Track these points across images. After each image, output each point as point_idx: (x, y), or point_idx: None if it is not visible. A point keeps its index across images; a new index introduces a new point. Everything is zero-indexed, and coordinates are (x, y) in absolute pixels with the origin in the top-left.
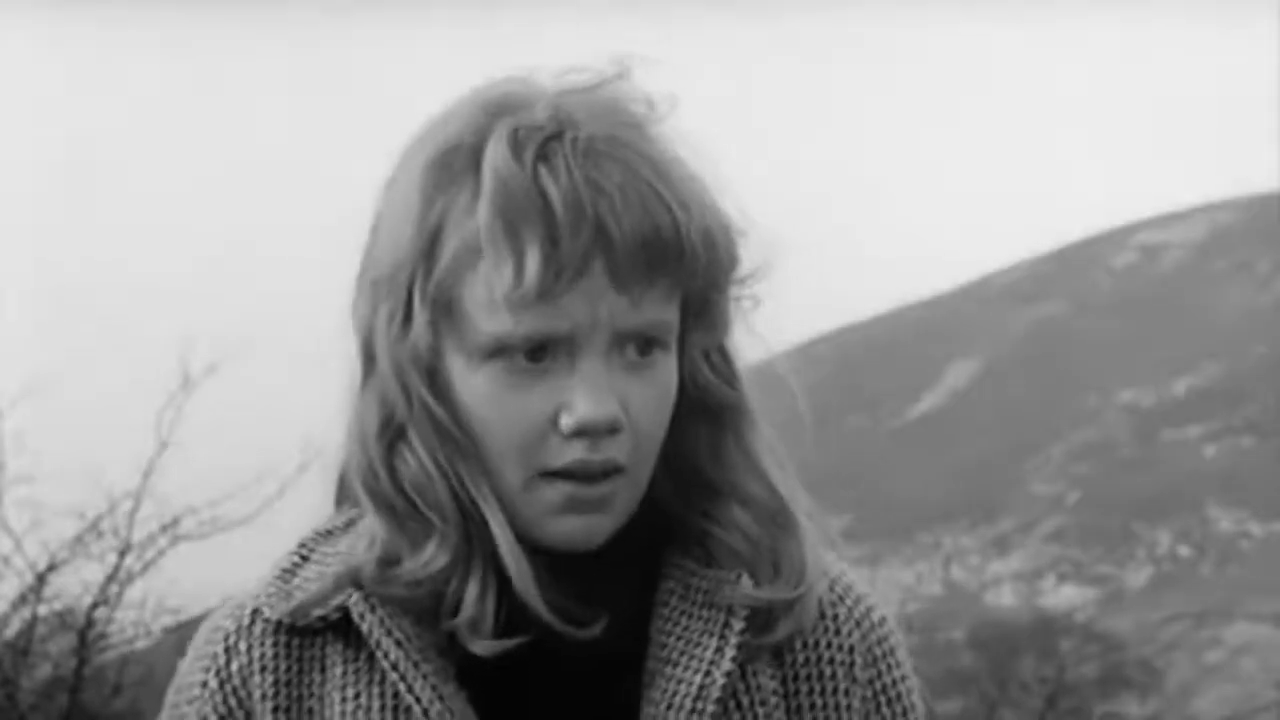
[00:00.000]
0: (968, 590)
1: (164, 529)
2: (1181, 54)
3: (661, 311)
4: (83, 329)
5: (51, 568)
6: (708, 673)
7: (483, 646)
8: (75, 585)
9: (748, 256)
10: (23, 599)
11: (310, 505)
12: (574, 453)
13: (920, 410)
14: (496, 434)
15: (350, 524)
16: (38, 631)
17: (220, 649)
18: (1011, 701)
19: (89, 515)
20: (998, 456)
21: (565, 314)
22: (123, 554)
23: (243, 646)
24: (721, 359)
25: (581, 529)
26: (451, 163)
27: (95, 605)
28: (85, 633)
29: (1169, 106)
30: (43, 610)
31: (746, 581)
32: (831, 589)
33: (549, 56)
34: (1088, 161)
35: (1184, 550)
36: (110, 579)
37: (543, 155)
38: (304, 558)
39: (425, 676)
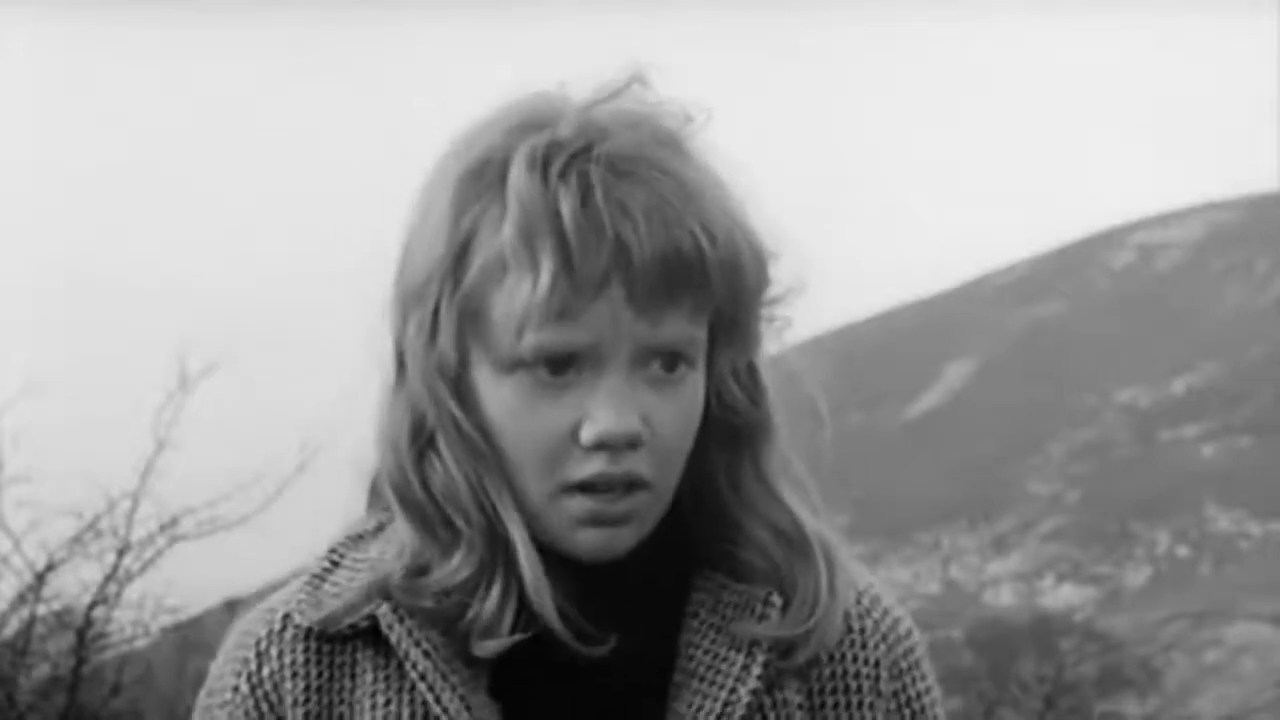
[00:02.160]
0: (966, 590)
1: (163, 529)
2: (1181, 54)
3: (686, 329)
4: (81, 328)
5: (50, 567)
6: (733, 689)
7: (485, 648)
8: (74, 585)
9: (780, 276)
10: (21, 599)
11: (310, 504)
12: (595, 465)
13: (918, 410)
14: (520, 445)
15: (380, 528)
16: (36, 631)
17: (252, 654)
18: (1010, 701)
19: (87, 515)
20: (996, 456)
21: (587, 329)
22: (121, 553)
23: (274, 652)
24: (749, 377)
25: (603, 542)
26: (481, 178)
27: (94, 605)
28: (84, 632)
29: (1168, 106)
30: (41, 610)
31: (776, 599)
32: (859, 601)
33: (548, 56)
34: (1087, 161)
35: (1183, 550)
36: (109, 578)
37: (565, 173)
38: (335, 563)
39: (453, 687)
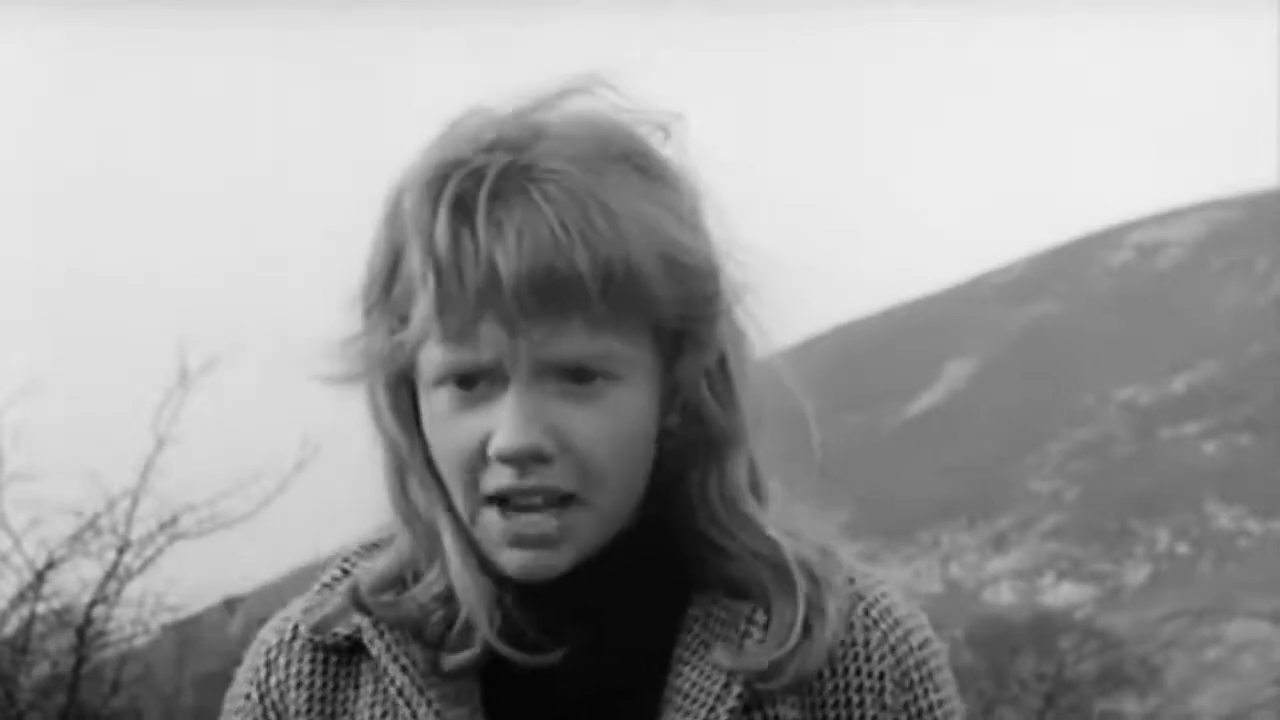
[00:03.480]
0: (966, 588)
1: (163, 527)
2: (1180, 52)
3: (588, 344)
4: (81, 326)
5: (50, 565)
6: (712, 708)
7: (450, 662)
8: (74, 583)
9: (729, 280)
10: (21, 597)
11: (309, 503)
12: (504, 478)
13: (918, 409)
14: (444, 459)
15: (393, 538)
16: (36, 629)
17: (262, 662)
18: (1010, 699)
19: (87, 513)
20: (996, 455)
21: (485, 347)
22: (121, 552)
23: (282, 661)
24: (721, 379)
25: (528, 562)
26: (404, 199)
27: (94, 603)
28: (84, 630)
29: (1168, 105)
30: (41, 608)
31: (760, 617)
32: (866, 613)
33: (547, 57)
34: (1086, 160)
35: (1182, 548)
36: (109, 577)
37: (452, 196)
38: (345, 572)
39: (429, 702)
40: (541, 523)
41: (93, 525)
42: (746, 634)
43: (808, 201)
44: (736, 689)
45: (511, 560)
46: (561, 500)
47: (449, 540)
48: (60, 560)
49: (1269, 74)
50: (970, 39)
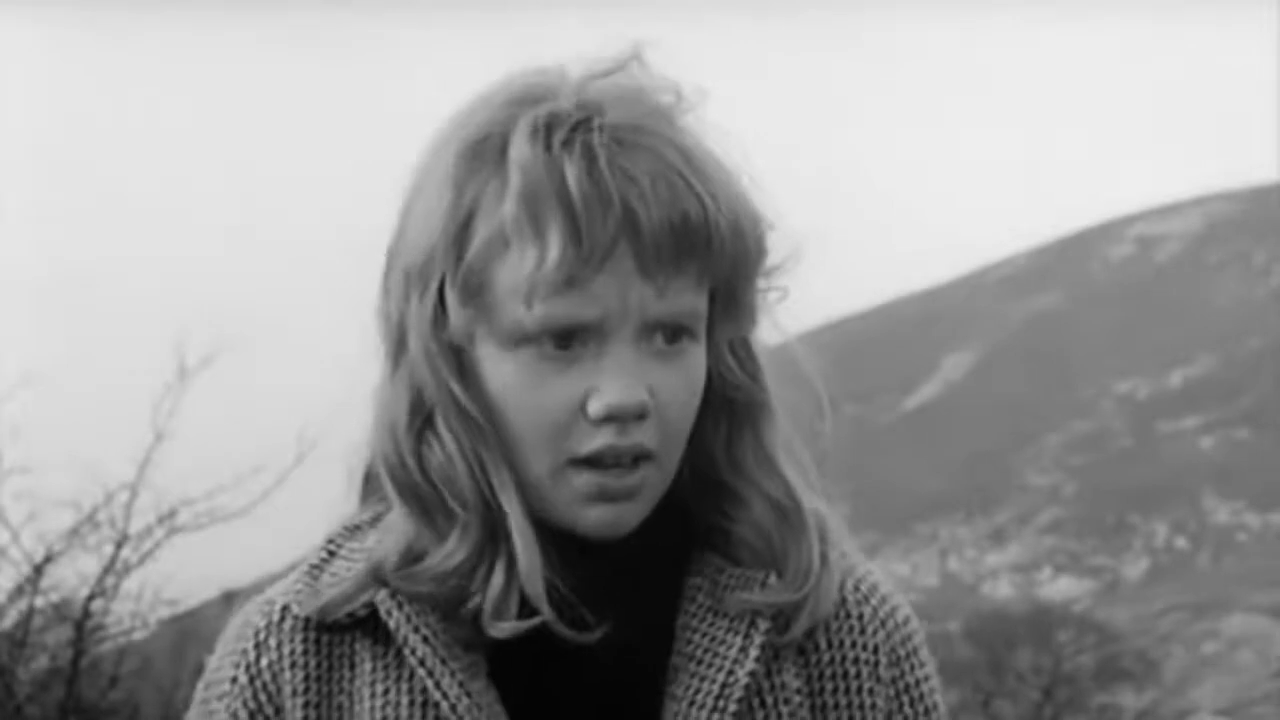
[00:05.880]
0: (964, 581)
1: (161, 520)
2: (1180, 48)
3: (690, 300)
4: (80, 320)
5: (48, 559)
6: (730, 671)
7: (501, 629)
8: (72, 577)
9: (775, 248)
10: (19, 590)
11: (307, 496)
12: (602, 438)
13: (917, 401)
14: (525, 421)
15: (377, 519)
16: (34, 623)
17: (250, 645)
18: (1008, 693)
19: (86, 507)
20: (994, 448)
21: (593, 301)
22: (119, 545)
23: (273, 643)
24: (745, 351)
25: (611, 517)
26: (480, 152)
27: (92, 597)
28: (82, 624)
29: (1167, 99)
30: (39, 602)
31: (774, 581)
32: (856, 588)
33: (551, 56)
34: (1086, 155)
35: (1180, 542)
36: (107, 570)
37: (568, 143)
38: (331, 554)
39: (453, 673)
40: (628, 476)
41: (91, 519)
42: (764, 586)
43: (807, 196)
44: (755, 650)
45: (593, 516)
46: (642, 459)
47: (515, 509)
48: (58, 554)
49: (1268, 67)
50: (971, 34)
